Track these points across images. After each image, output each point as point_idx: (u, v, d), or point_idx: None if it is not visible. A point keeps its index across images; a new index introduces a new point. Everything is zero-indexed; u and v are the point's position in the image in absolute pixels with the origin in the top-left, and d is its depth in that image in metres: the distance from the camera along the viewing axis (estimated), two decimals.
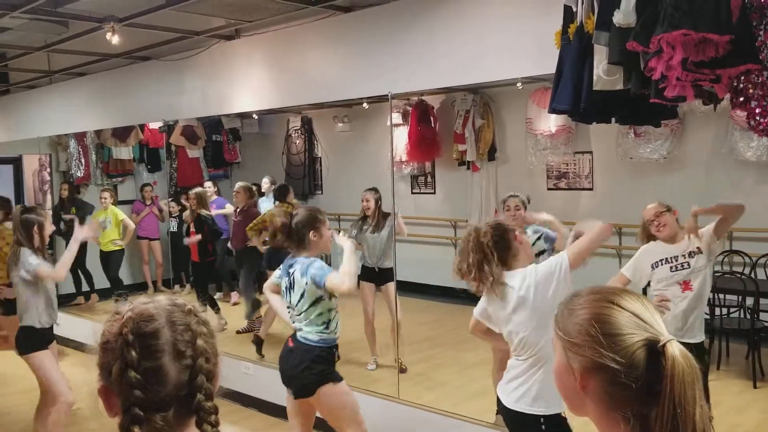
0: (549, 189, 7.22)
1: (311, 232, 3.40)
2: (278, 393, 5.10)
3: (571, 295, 1.23)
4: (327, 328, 3.39)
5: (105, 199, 7.94)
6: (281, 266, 3.56)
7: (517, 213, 4.30)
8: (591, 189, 6.93)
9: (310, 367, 3.35)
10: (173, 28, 5.56)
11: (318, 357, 3.36)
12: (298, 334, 3.43)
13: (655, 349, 1.08)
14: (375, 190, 5.70)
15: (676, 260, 3.67)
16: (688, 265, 3.65)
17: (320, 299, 3.36)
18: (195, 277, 7.16)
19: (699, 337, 3.70)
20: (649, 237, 3.78)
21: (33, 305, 4.27)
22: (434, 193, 8.22)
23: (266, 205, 7.26)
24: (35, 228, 4.25)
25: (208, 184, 7.73)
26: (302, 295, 3.38)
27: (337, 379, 3.42)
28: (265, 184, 7.72)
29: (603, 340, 1.10)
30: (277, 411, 5.04)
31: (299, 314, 3.42)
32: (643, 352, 1.08)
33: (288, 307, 3.50)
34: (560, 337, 1.18)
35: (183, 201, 7.70)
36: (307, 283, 3.34)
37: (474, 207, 7.76)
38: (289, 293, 3.45)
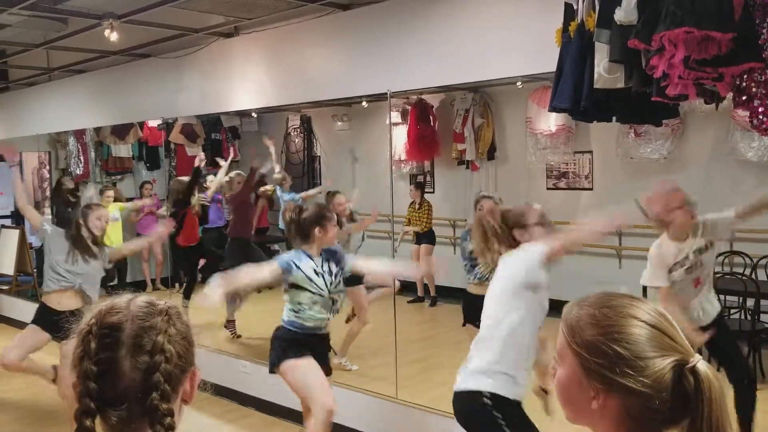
0: (549, 189, 7.20)
1: (317, 228, 3.52)
2: (276, 391, 5.09)
3: (584, 301, 1.16)
4: (296, 314, 3.59)
5: (109, 197, 7.80)
6: (281, 261, 3.61)
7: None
8: (591, 189, 6.90)
9: (274, 345, 3.61)
10: (172, 25, 5.54)
11: (285, 334, 3.60)
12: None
13: (683, 370, 1.05)
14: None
15: (688, 259, 3.58)
16: (701, 263, 3.58)
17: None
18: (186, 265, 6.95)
19: (717, 307, 3.74)
20: (663, 224, 3.62)
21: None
22: (433, 192, 8.19)
23: (286, 197, 7.15)
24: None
25: (210, 178, 7.64)
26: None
27: (293, 356, 3.58)
28: (278, 174, 7.53)
29: (631, 363, 1.05)
30: (275, 410, 5.02)
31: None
32: (671, 373, 1.05)
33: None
34: (576, 352, 1.11)
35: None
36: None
37: (473, 206, 7.73)
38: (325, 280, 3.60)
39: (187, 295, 6.57)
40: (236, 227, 6.62)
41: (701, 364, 1.05)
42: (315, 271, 3.55)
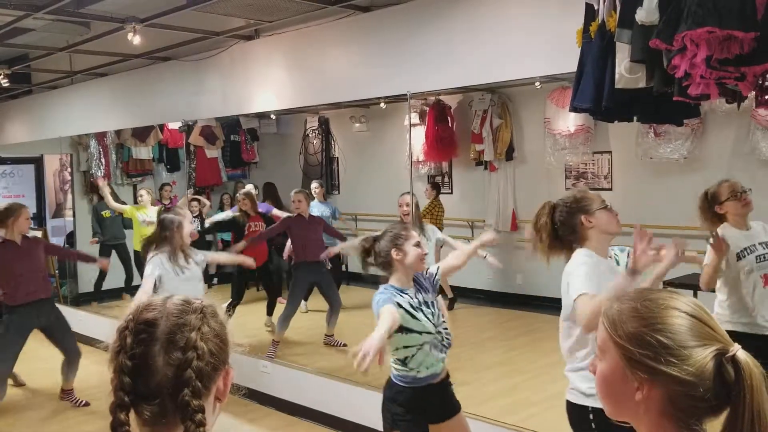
0: (567, 189, 7.18)
1: (394, 251, 3.08)
2: (295, 392, 5.13)
3: (624, 297, 1.19)
4: (404, 365, 3.10)
5: (142, 197, 7.84)
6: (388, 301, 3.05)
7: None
8: (610, 189, 6.88)
9: (387, 406, 3.14)
10: (193, 28, 5.60)
11: (397, 394, 3.12)
12: None
13: (723, 359, 1.07)
14: (412, 194, 5.22)
15: (757, 249, 3.43)
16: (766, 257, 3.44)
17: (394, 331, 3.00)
18: (269, 280, 7.04)
19: None
20: (712, 220, 3.53)
21: None
22: (451, 193, 8.19)
23: (317, 209, 7.03)
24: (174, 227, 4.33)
25: (250, 186, 7.78)
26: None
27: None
28: (316, 189, 7.48)
29: (675, 352, 1.08)
30: (295, 410, 5.06)
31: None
32: (713, 362, 1.07)
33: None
34: (618, 344, 1.14)
35: (204, 199, 7.75)
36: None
37: (491, 207, 7.73)
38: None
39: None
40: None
41: (741, 353, 1.07)
42: (412, 305, 3.05)
